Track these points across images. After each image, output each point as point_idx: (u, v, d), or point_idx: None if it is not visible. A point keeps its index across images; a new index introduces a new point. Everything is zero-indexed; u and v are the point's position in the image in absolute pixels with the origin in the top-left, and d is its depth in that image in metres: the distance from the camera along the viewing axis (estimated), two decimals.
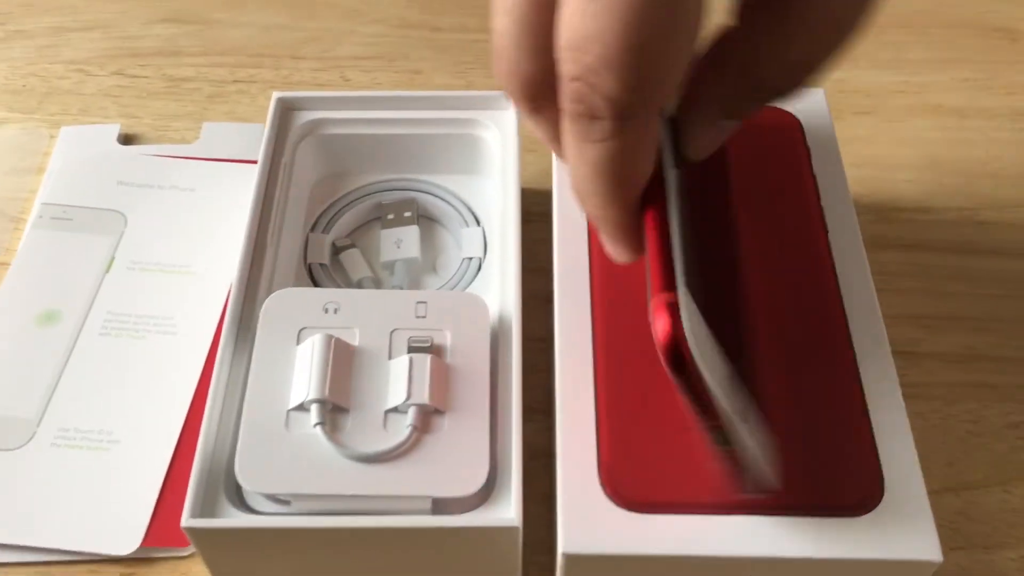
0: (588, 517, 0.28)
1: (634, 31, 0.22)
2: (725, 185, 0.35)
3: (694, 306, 0.25)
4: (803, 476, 0.28)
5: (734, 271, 0.33)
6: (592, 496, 0.29)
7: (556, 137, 0.27)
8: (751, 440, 0.26)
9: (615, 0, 0.22)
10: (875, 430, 0.30)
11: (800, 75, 0.26)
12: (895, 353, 0.41)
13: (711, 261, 0.31)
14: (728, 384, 0.26)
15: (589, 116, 0.24)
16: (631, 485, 0.29)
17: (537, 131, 0.28)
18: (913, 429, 0.39)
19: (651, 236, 0.27)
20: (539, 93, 0.26)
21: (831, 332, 0.32)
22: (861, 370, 0.31)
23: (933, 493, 0.37)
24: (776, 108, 0.38)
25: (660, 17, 0.23)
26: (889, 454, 0.29)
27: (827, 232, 0.34)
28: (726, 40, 0.27)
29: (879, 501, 0.28)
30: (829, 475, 0.29)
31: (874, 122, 0.51)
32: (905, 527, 0.28)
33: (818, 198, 0.35)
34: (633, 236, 0.28)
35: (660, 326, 0.24)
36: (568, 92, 0.24)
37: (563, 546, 0.28)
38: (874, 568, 0.28)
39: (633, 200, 0.27)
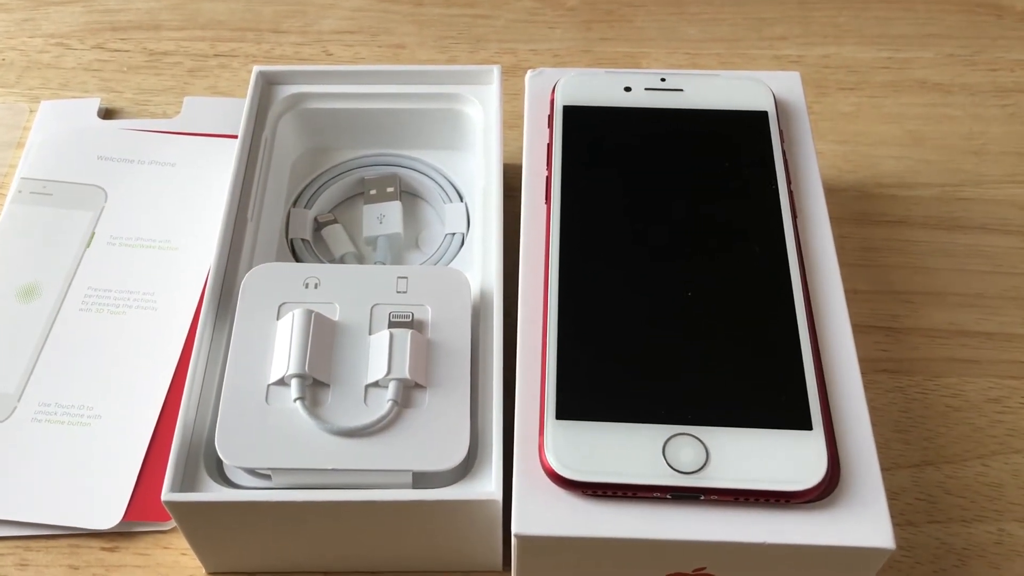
0: (540, 499, 0.28)
1: None
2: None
3: None
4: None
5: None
6: (544, 479, 0.29)
7: None
8: None
9: None
10: (833, 415, 0.30)
11: None
12: (878, 329, 0.42)
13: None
14: None
15: None
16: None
17: None
18: (894, 404, 0.39)
19: None
20: None
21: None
22: (823, 355, 0.31)
23: (912, 467, 0.38)
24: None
25: None
26: (847, 440, 0.30)
27: (796, 217, 0.34)
28: None
29: (835, 488, 0.28)
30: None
31: (858, 98, 0.51)
32: (859, 515, 0.28)
33: (788, 182, 0.35)
34: None
35: None
36: None
37: (515, 527, 0.28)
38: (827, 555, 0.28)
39: None
